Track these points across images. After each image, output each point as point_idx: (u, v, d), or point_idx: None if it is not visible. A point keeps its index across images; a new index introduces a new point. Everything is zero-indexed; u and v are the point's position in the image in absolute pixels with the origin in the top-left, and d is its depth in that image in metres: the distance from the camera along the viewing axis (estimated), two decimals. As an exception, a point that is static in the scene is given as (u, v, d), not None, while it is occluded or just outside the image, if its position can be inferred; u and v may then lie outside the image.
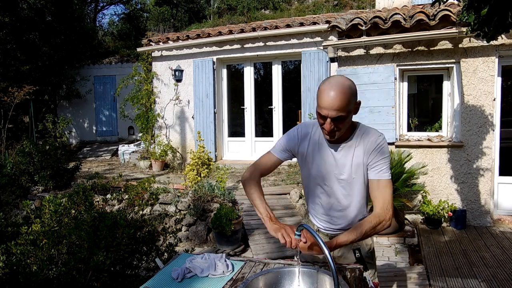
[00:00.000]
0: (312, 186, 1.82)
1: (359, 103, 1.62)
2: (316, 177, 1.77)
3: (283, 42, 7.46)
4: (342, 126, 1.58)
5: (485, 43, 4.69)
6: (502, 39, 4.71)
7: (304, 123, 1.84)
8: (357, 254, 1.79)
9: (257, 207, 1.75)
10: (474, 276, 3.57)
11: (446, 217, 4.96)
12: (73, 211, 2.71)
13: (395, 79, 5.29)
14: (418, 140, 5.35)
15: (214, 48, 8.00)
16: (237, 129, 8.79)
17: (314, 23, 7.04)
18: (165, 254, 2.92)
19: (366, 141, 1.67)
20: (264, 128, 8.76)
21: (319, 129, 1.72)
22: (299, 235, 1.51)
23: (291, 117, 8.19)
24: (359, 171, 1.70)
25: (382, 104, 5.30)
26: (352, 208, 1.77)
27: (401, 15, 5.08)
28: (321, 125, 1.62)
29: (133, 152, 9.54)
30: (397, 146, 5.29)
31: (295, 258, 1.54)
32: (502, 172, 5.17)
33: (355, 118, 1.68)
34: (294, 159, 1.88)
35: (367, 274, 1.78)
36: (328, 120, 1.55)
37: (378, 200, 1.65)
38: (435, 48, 5.05)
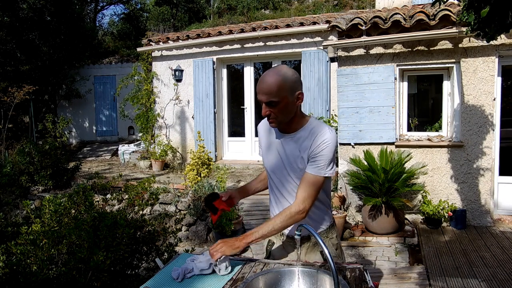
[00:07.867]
0: (268, 179, 1.87)
1: (301, 94, 1.66)
2: (268, 169, 1.83)
3: (283, 42, 7.45)
4: (277, 113, 1.64)
5: (485, 43, 4.69)
6: (502, 39, 4.70)
7: (264, 120, 1.89)
8: (324, 256, 1.78)
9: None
10: (474, 276, 3.57)
11: (446, 217, 4.96)
12: (73, 211, 2.70)
13: (395, 79, 5.29)
14: (418, 140, 5.35)
15: (214, 48, 8.00)
16: (237, 129, 8.79)
17: (314, 23, 7.04)
18: (165, 254, 2.92)
19: (314, 136, 1.70)
20: (264, 128, 8.75)
21: None
22: (299, 235, 1.51)
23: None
24: (306, 163, 1.74)
25: (382, 104, 5.29)
26: None
27: (401, 15, 5.08)
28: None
29: (133, 152, 9.54)
30: (397, 146, 5.29)
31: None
32: (502, 172, 5.17)
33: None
34: None
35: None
36: (263, 105, 1.63)
37: (298, 193, 1.67)
38: (435, 48, 5.05)
